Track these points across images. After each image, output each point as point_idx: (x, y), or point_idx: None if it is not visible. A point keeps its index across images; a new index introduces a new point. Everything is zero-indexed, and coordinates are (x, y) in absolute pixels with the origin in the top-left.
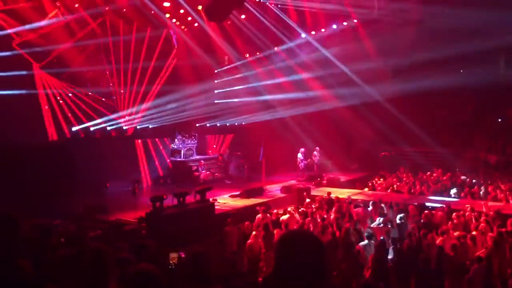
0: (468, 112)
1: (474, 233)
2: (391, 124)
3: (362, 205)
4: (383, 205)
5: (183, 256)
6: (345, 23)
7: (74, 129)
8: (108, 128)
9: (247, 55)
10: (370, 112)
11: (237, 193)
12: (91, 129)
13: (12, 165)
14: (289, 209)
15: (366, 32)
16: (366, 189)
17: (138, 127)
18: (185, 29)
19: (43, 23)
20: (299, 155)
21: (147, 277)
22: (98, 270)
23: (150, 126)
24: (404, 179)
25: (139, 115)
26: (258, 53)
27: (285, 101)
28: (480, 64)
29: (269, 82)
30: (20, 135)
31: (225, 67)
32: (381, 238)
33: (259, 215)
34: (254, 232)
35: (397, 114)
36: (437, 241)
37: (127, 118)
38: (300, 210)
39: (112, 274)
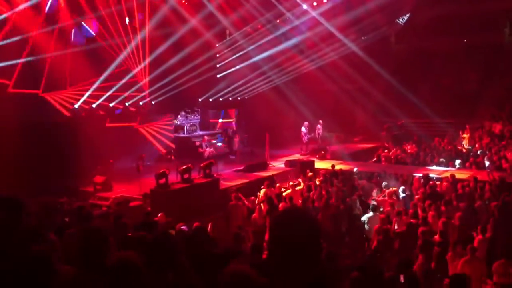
0: (473, 80)
1: (479, 202)
2: (394, 95)
3: (366, 177)
4: (388, 176)
5: (185, 229)
6: None
7: (76, 105)
8: (111, 104)
9: (248, 28)
10: (373, 84)
11: (241, 168)
12: (93, 105)
13: (17, 144)
14: (291, 183)
15: None
16: (370, 161)
17: (140, 103)
18: (185, 3)
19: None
20: (303, 129)
21: (129, 266)
22: (93, 250)
23: (153, 102)
24: (408, 150)
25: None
26: (259, 26)
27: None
28: (484, 30)
29: (271, 51)
30: (23, 113)
31: (226, 40)
32: (385, 210)
33: (264, 189)
34: (258, 206)
35: (400, 85)
36: (442, 211)
37: (128, 94)
38: (306, 183)
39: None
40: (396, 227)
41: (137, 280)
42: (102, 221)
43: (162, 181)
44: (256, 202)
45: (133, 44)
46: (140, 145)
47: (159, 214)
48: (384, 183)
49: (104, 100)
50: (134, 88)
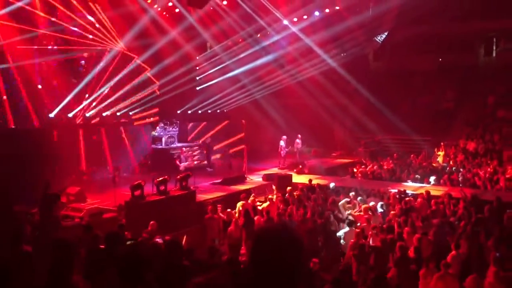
0: (449, 99)
1: (452, 219)
2: (372, 112)
3: (343, 192)
4: (360, 192)
5: (159, 241)
6: (327, 10)
7: (51, 115)
8: (87, 114)
9: (229, 41)
10: (351, 100)
11: (219, 181)
12: (69, 115)
13: None
14: (270, 196)
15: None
16: (347, 176)
17: (118, 113)
18: (166, 14)
19: None
20: (281, 143)
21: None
22: (61, 262)
23: (131, 113)
24: (385, 166)
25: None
26: (239, 39)
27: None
28: (459, 51)
29: (251, 65)
30: None
31: (206, 53)
32: (361, 225)
33: (240, 202)
34: (234, 219)
35: (378, 102)
36: (418, 227)
37: (107, 104)
38: (285, 196)
39: (75, 267)
40: (371, 242)
41: None
42: (73, 233)
43: (137, 192)
44: (237, 214)
45: (112, 52)
46: (117, 155)
47: (151, 223)
48: (359, 198)
49: (80, 110)
50: (111, 99)
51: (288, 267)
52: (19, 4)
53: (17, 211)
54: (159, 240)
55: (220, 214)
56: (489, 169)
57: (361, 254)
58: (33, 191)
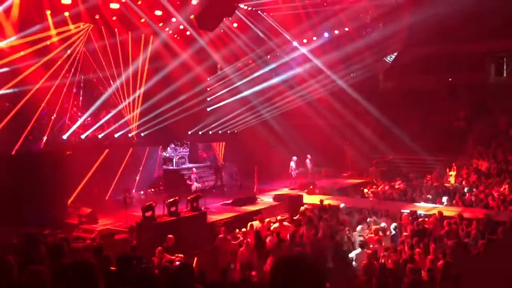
0: (461, 119)
1: (466, 240)
2: (383, 131)
3: (354, 212)
4: (372, 213)
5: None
6: (336, 31)
7: (64, 136)
8: (99, 136)
9: (239, 63)
10: (362, 120)
11: (229, 201)
12: (82, 136)
13: (4, 173)
14: (279, 217)
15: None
16: (358, 197)
17: (130, 135)
18: (177, 37)
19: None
20: (292, 163)
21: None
22: (86, 284)
23: (142, 134)
24: (396, 186)
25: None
26: (250, 61)
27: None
28: (470, 70)
29: (261, 86)
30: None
31: (217, 75)
32: (373, 246)
33: (252, 223)
34: (246, 241)
35: (389, 122)
36: (431, 249)
37: (117, 125)
38: (294, 218)
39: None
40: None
41: None
42: (83, 254)
43: (148, 214)
44: (246, 236)
45: (124, 76)
46: (128, 177)
47: (169, 236)
48: (368, 219)
49: (93, 132)
50: (123, 120)
51: None
52: (33, 29)
53: (28, 232)
54: (177, 262)
55: (232, 242)
56: (502, 190)
57: (382, 276)
58: (46, 212)
